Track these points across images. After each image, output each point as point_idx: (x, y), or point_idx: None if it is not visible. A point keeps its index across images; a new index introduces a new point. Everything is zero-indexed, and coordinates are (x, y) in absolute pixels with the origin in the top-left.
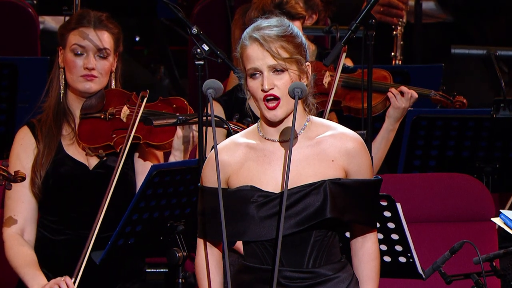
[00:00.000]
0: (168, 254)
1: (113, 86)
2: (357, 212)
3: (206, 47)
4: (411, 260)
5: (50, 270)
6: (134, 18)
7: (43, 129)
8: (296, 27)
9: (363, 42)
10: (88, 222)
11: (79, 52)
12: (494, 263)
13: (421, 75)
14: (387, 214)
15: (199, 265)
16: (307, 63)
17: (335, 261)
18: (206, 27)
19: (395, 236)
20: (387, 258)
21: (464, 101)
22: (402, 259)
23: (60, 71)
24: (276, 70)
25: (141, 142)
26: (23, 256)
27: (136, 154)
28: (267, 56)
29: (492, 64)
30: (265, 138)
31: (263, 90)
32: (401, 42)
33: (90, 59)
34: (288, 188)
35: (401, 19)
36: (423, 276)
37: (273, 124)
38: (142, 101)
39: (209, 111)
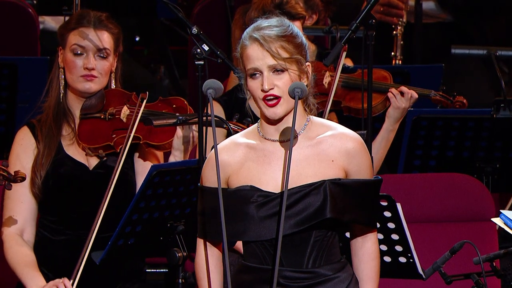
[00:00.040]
0: (168, 254)
1: (113, 86)
2: (357, 212)
3: (206, 47)
4: (411, 260)
5: (50, 270)
6: (134, 18)
7: (43, 129)
8: (296, 27)
9: (363, 42)
10: (88, 222)
11: (79, 52)
12: (494, 263)
13: (421, 75)
14: (387, 214)
15: (199, 265)
16: (307, 63)
17: (335, 261)
18: (206, 27)
19: (395, 236)
20: (387, 258)
21: (464, 101)
22: (402, 259)
23: (60, 71)
24: (276, 70)
25: (141, 142)
26: (22, 256)
27: (136, 154)
28: (267, 56)
29: (492, 64)
30: (265, 138)
31: (263, 90)
32: (401, 42)
33: (90, 59)
34: (288, 188)
35: (401, 19)
36: (423, 276)
37: (272, 122)
38: (142, 103)
39: (209, 111)
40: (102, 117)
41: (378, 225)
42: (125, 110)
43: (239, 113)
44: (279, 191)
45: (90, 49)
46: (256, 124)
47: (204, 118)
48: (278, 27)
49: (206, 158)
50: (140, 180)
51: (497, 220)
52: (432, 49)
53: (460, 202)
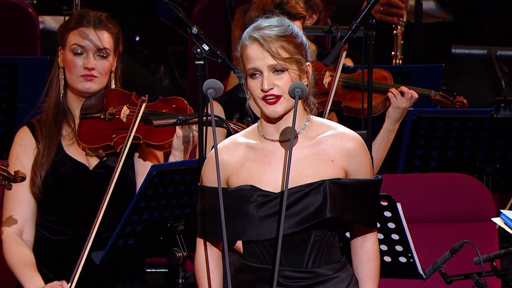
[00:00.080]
0: (168, 254)
1: (112, 86)
2: (357, 212)
3: (206, 47)
4: (411, 260)
5: (50, 270)
6: (134, 18)
7: (43, 129)
8: (296, 27)
9: (363, 42)
10: (88, 222)
11: (78, 52)
12: (494, 263)
13: (421, 75)
14: (388, 214)
15: (198, 264)
16: (307, 63)
17: (334, 261)
18: (206, 27)
19: (395, 236)
20: (387, 258)
21: (465, 101)
22: (403, 259)
23: (60, 71)
24: (276, 70)
25: (141, 142)
26: (20, 256)
27: (136, 154)
28: (267, 56)
29: (492, 64)
30: (265, 138)
31: (262, 90)
32: (402, 42)
33: (90, 59)
34: (288, 188)
35: (401, 19)
36: (424, 276)
37: (272, 121)
38: (141, 106)
39: (209, 111)
40: (102, 117)
41: (378, 225)
42: (125, 110)
43: (239, 113)
44: (279, 190)
45: (90, 49)
46: (256, 124)
47: (204, 118)
48: (278, 27)
49: (206, 158)
50: (140, 180)
51: (497, 220)
52: (432, 49)
53: (460, 202)
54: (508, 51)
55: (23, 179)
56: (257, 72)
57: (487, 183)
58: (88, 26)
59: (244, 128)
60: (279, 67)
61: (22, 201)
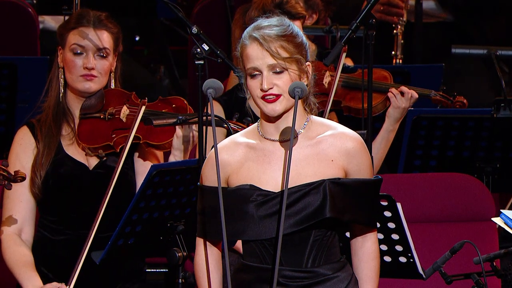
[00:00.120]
0: (168, 254)
1: (112, 86)
2: (356, 212)
3: (206, 47)
4: (411, 260)
5: (50, 270)
6: (134, 18)
7: (42, 129)
8: (296, 26)
9: (363, 41)
10: (88, 222)
11: (78, 52)
12: (494, 263)
13: (421, 75)
14: (388, 214)
15: (198, 264)
16: (307, 63)
17: (334, 260)
18: (206, 27)
19: (395, 236)
20: (387, 258)
21: (465, 101)
22: (403, 259)
23: (60, 71)
24: (276, 69)
25: (141, 142)
26: (19, 256)
27: (136, 154)
28: (267, 55)
29: (492, 64)
30: (265, 138)
31: (262, 90)
32: (402, 41)
33: (90, 59)
34: (288, 187)
35: (401, 18)
36: (424, 276)
37: (272, 120)
38: (141, 109)
39: (209, 111)
40: (101, 117)
41: (378, 225)
42: (124, 110)
43: (239, 113)
44: (279, 190)
45: (89, 49)
46: (256, 123)
47: (204, 117)
48: (278, 27)
49: (206, 157)
50: (140, 180)
51: (497, 220)
52: (432, 48)
53: (460, 202)
54: (508, 51)
55: (23, 179)
56: (256, 72)
57: (487, 183)
58: (88, 26)
59: (244, 128)
60: (278, 66)
61: (21, 201)
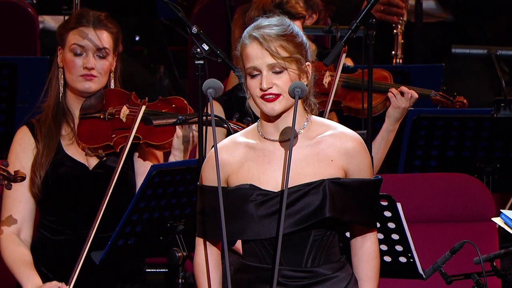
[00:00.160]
0: (168, 254)
1: (112, 86)
2: (356, 212)
3: (206, 47)
4: (411, 260)
5: (50, 270)
6: (134, 18)
7: (42, 129)
8: (297, 26)
9: (363, 41)
10: (88, 222)
11: (78, 52)
12: (494, 263)
13: (421, 75)
14: (388, 214)
15: (198, 264)
16: (307, 63)
17: (334, 260)
18: (206, 27)
19: (395, 236)
20: (387, 258)
21: (465, 101)
22: (403, 259)
23: (59, 70)
24: (276, 69)
25: (140, 142)
26: (18, 255)
27: (136, 154)
28: (266, 55)
29: (492, 64)
30: (265, 138)
31: (261, 89)
32: (402, 41)
33: (90, 59)
34: (288, 187)
35: (401, 18)
36: (424, 276)
37: (271, 119)
38: (141, 109)
39: (209, 111)
40: (101, 117)
41: (378, 225)
42: (124, 110)
43: (239, 113)
44: (278, 190)
45: (89, 49)
46: (256, 123)
47: (204, 117)
48: (278, 26)
49: (206, 157)
50: (139, 180)
51: (497, 220)
52: (432, 48)
53: (460, 202)
54: (508, 51)
55: (23, 178)
56: (256, 71)
57: (487, 183)
58: (88, 25)
59: (244, 128)
60: (278, 66)
61: (20, 201)
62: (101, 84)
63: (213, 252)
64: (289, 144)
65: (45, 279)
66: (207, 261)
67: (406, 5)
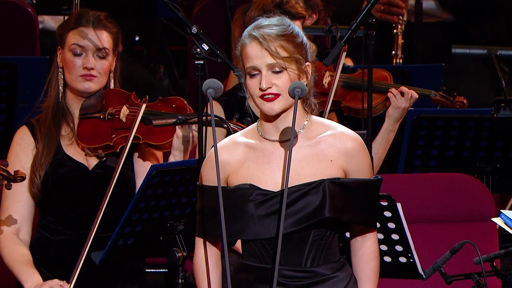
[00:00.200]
0: (168, 254)
1: (111, 86)
2: (356, 212)
3: (206, 47)
4: (411, 260)
5: (49, 270)
6: (134, 18)
7: (42, 129)
8: (297, 26)
9: (363, 41)
10: (88, 223)
11: (78, 52)
12: (494, 263)
13: (421, 75)
14: (388, 214)
15: (197, 264)
16: (307, 63)
17: (333, 260)
18: (206, 27)
19: (395, 236)
20: (387, 258)
21: (465, 101)
22: (403, 259)
23: (59, 70)
24: (275, 69)
25: (140, 142)
26: (18, 254)
27: (136, 154)
28: (266, 55)
29: (492, 64)
30: (265, 138)
31: (261, 89)
32: (402, 41)
33: (89, 59)
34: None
35: (401, 17)
36: (424, 276)
37: (271, 119)
38: (142, 106)
39: (209, 111)
40: (101, 117)
41: (378, 225)
42: (124, 110)
43: (239, 113)
44: (278, 190)
45: (89, 49)
46: (256, 123)
47: (204, 117)
48: (278, 26)
49: (205, 157)
50: (139, 180)
51: (497, 220)
52: (432, 48)
53: (460, 202)
54: (508, 51)
55: (23, 178)
56: (255, 71)
57: (487, 183)
58: (87, 26)
59: (244, 128)
60: (278, 66)
61: (19, 201)
62: (100, 84)
63: (213, 252)
64: (288, 144)
65: (44, 279)
66: (207, 261)
67: (406, 5)
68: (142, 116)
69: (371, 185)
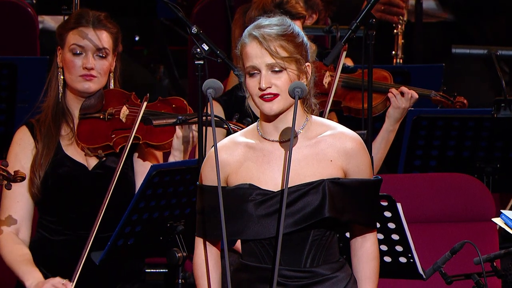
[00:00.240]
0: (168, 254)
1: (111, 86)
2: (356, 212)
3: (206, 47)
4: (411, 260)
5: (49, 270)
6: (134, 18)
7: (42, 129)
8: (297, 26)
9: (363, 41)
10: (88, 223)
11: (78, 52)
12: (494, 264)
13: (421, 75)
14: (388, 214)
15: (197, 264)
16: (307, 64)
17: (333, 260)
18: (206, 27)
19: (395, 237)
20: (387, 259)
21: (465, 101)
22: (403, 260)
23: (59, 70)
24: (275, 69)
25: (140, 142)
26: (17, 253)
27: (136, 154)
28: (266, 54)
29: (493, 64)
30: (264, 138)
31: (260, 89)
32: (402, 41)
33: (89, 59)
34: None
35: (401, 17)
36: (424, 276)
37: (270, 119)
38: (143, 104)
39: (209, 111)
40: (101, 117)
41: (378, 225)
42: (124, 110)
43: (239, 113)
44: (278, 190)
45: (89, 49)
46: (256, 123)
47: (204, 118)
48: (278, 26)
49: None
50: (139, 180)
51: (497, 220)
52: (432, 48)
53: (461, 202)
54: (508, 51)
55: (23, 178)
56: (255, 71)
57: (487, 183)
58: (87, 26)
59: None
60: (277, 66)
61: (19, 201)
62: (100, 84)
63: (213, 252)
64: (288, 144)
65: (44, 279)
66: (207, 261)
67: (406, 5)
68: (142, 116)
69: (371, 185)
